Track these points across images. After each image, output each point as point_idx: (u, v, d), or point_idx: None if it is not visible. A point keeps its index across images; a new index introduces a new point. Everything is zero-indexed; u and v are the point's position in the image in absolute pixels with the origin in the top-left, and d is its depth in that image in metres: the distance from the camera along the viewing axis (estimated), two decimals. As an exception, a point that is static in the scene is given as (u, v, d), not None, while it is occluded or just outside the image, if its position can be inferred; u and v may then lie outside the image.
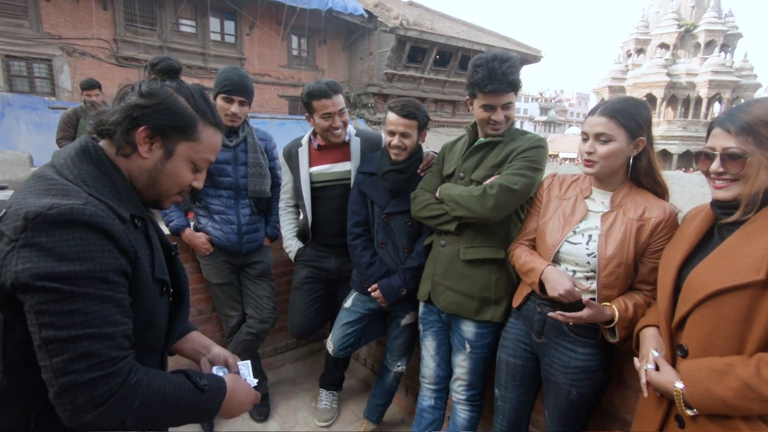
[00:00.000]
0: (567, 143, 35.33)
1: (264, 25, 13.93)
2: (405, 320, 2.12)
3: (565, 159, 33.18)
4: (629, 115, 1.36)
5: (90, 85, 4.63)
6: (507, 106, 1.66)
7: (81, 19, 11.22)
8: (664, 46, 29.14)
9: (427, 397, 2.00)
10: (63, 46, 11.04)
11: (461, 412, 1.87)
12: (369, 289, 2.03)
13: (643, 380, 1.18)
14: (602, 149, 1.38)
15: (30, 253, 0.69)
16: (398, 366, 2.22)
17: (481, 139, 1.75)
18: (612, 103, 1.40)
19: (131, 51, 11.98)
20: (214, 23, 13.43)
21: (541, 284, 1.46)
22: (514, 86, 1.62)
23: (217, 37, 13.63)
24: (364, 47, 15.72)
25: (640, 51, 30.92)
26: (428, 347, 1.96)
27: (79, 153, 0.84)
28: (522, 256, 1.58)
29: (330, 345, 2.22)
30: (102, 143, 0.87)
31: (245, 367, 1.11)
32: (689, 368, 1.08)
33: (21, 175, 4.11)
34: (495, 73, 1.58)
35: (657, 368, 1.17)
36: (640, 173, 1.44)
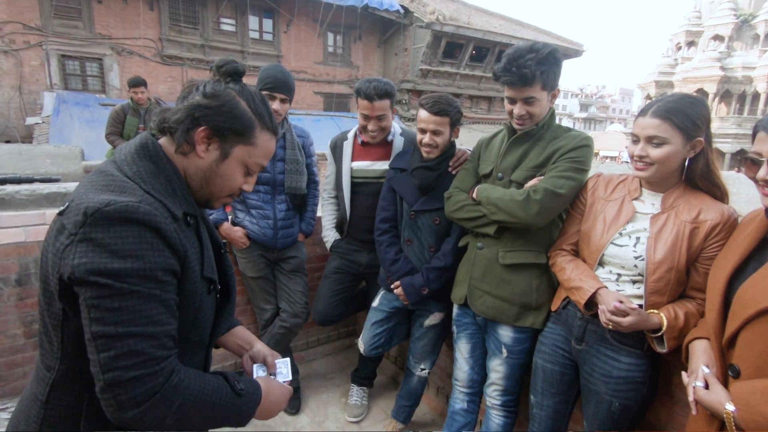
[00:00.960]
0: (608, 141, 33.93)
1: (301, 22, 14.13)
2: (428, 321, 2.08)
3: (606, 157, 31.88)
4: (685, 115, 1.26)
5: (136, 83, 4.85)
6: (529, 101, 1.55)
7: (129, 20, 11.75)
8: (718, 38, 27.33)
9: (459, 400, 1.96)
10: (113, 46, 11.61)
11: (495, 418, 1.82)
12: (392, 287, 2.02)
13: (691, 397, 1.11)
14: (655, 153, 1.29)
15: (86, 247, 0.71)
16: (421, 369, 2.17)
17: (518, 131, 1.65)
18: (665, 102, 1.29)
19: (175, 50, 12.44)
20: (253, 21, 13.74)
21: (587, 303, 1.41)
22: (526, 80, 1.48)
23: (256, 35, 13.93)
24: (399, 43, 15.65)
25: (691, 43, 29.16)
26: (462, 350, 1.92)
27: (138, 150, 0.86)
28: (567, 268, 1.50)
29: (361, 345, 2.23)
30: (162, 140, 0.89)
31: (284, 365, 1.12)
32: (742, 390, 1.00)
33: (73, 168, 4.34)
34: (510, 64, 1.49)
35: (707, 385, 1.09)
36: (696, 175, 1.33)
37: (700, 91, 25.73)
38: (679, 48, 29.63)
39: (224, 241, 2.25)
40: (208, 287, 0.93)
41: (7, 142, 9.61)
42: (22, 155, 4.26)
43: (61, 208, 0.79)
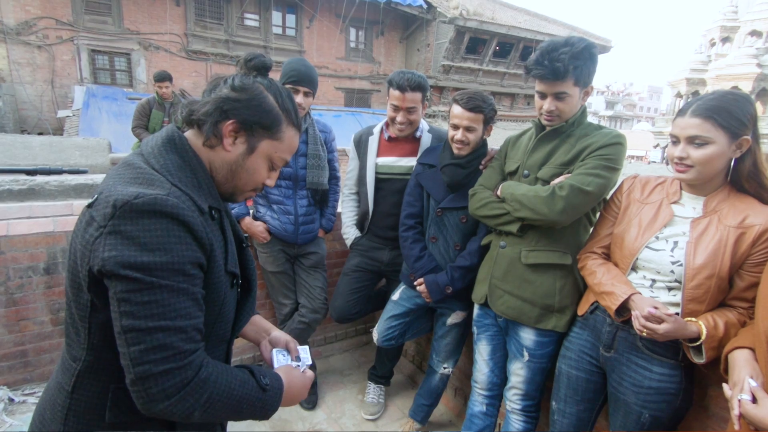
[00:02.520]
0: (634, 140, 33.06)
1: (323, 17, 14.16)
2: (450, 320, 2.05)
3: (633, 157, 31.04)
4: (729, 114, 1.18)
5: (162, 77, 4.92)
6: (560, 96, 1.49)
7: (156, 16, 12.01)
8: (755, 33, 26.13)
9: (478, 403, 1.92)
10: (140, 41, 11.89)
11: (515, 422, 1.77)
12: (415, 283, 1.99)
13: (736, 412, 1.03)
14: (697, 154, 1.21)
15: (115, 240, 0.72)
16: (444, 368, 2.16)
17: (547, 127, 1.59)
18: (706, 100, 1.22)
19: (200, 45, 12.66)
20: (276, 17, 13.85)
21: (618, 309, 1.34)
22: (558, 74, 1.43)
23: (279, 31, 14.04)
24: (422, 39, 15.51)
25: (726, 39, 27.97)
26: (482, 352, 1.87)
27: (165, 142, 0.86)
28: (598, 272, 1.44)
29: (375, 334, 2.23)
30: (187, 133, 0.89)
31: (304, 352, 1.13)
32: None
33: (100, 160, 4.45)
34: (542, 57, 1.44)
35: (754, 400, 1.02)
36: (742, 177, 1.25)
37: (735, 89, 24.57)
38: (713, 44, 28.47)
39: (246, 235, 2.26)
40: (231, 281, 0.93)
41: (40, 134, 9.96)
42: (53, 147, 4.39)
43: (90, 200, 0.79)
